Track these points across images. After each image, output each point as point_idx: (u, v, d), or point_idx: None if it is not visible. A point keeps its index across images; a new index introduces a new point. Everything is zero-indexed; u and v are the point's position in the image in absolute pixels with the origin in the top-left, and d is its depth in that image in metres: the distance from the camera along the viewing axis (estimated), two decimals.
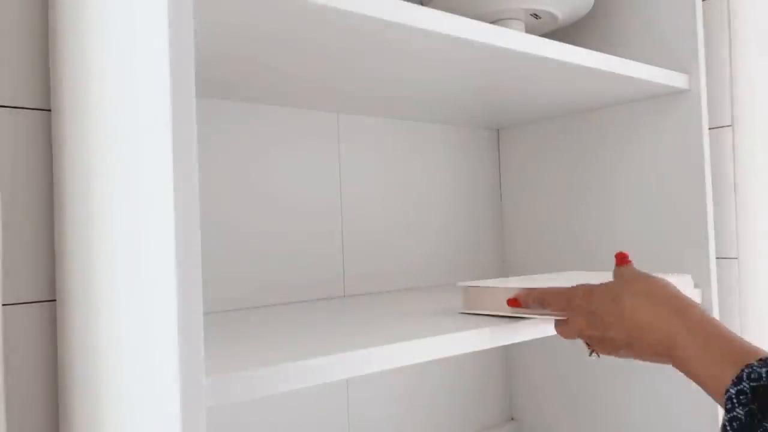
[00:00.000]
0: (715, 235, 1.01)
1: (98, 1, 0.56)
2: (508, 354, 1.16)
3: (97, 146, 0.56)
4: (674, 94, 0.90)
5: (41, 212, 0.70)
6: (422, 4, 0.89)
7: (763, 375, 0.44)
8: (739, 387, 0.44)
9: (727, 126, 1.00)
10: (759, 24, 0.96)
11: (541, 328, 0.65)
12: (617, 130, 0.97)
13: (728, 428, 0.43)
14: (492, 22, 0.86)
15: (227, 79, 0.73)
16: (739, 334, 0.98)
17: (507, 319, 0.64)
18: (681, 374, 0.90)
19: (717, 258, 1.01)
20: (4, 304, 0.67)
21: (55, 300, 0.71)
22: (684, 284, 0.84)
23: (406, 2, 0.57)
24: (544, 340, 1.09)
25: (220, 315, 0.78)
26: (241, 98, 0.83)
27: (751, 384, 0.44)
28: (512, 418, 1.15)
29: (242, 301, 0.84)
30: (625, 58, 0.96)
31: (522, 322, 0.64)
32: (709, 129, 1.02)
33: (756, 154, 0.97)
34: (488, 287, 0.66)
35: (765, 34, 0.96)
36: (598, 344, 0.57)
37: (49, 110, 0.71)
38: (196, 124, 0.43)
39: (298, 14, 0.53)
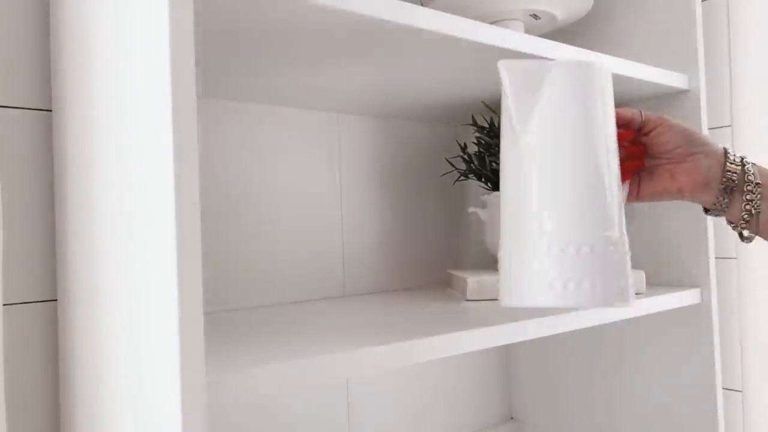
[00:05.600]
0: (714, 235, 1.01)
1: (99, 1, 0.56)
2: (508, 354, 1.16)
3: (97, 146, 0.56)
4: (674, 94, 0.90)
5: (42, 212, 0.70)
6: (422, 4, 0.89)
7: None
8: None
9: (727, 126, 1.00)
10: (759, 24, 0.96)
11: (541, 327, 0.65)
12: None
13: None
14: (492, 23, 0.86)
15: (227, 79, 0.73)
16: (737, 335, 0.98)
17: (507, 319, 0.65)
18: (679, 375, 0.90)
19: (716, 258, 1.01)
20: (4, 304, 0.67)
21: (56, 300, 0.71)
22: (638, 280, 0.83)
23: (406, 2, 0.57)
24: (543, 340, 1.10)
25: (220, 315, 0.78)
26: (241, 98, 0.83)
27: None
28: (512, 418, 1.15)
29: (242, 301, 0.84)
30: (625, 58, 0.96)
31: (522, 321, 0.64)
32: (709, 129, 1.02)
33: (756, 154, 0.97)
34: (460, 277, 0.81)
35: (765, 34, 0.96)
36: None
37: (50, 110, 0.71)
38: (196, 124, 0.43)
39: (297, 14, 0.53)
